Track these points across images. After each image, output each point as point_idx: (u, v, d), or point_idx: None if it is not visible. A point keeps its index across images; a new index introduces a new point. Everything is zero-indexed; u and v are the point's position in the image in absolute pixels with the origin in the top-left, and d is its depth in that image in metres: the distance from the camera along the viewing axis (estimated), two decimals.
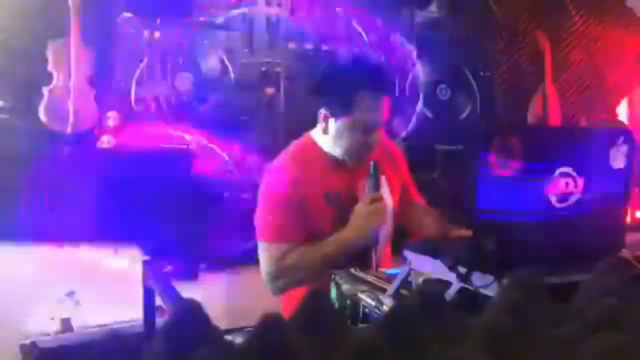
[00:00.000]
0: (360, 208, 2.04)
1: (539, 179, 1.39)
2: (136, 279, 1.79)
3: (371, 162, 2.06)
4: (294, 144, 2.25)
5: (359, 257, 2.02)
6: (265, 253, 2.10)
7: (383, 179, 2.15)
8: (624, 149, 1.46)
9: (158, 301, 1.69)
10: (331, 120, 2.11)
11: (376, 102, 2.09)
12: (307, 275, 2.06)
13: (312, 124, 2.20)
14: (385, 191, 2.16)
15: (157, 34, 3.37)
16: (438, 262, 1.43)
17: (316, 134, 2.19)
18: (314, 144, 2.20)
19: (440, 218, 2.26)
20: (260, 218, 2.12)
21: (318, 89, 2.21)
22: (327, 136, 2.14)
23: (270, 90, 3.73)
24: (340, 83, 2.11)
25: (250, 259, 2.28)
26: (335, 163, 2.17)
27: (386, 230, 2.18)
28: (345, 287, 1.70)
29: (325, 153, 2.18)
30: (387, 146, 2.35)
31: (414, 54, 4.14)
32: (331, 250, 2.06)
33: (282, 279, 2.10)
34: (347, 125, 2.09)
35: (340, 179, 2.16)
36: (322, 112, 2.12)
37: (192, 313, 0.80)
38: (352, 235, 2.05)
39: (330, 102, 2.11)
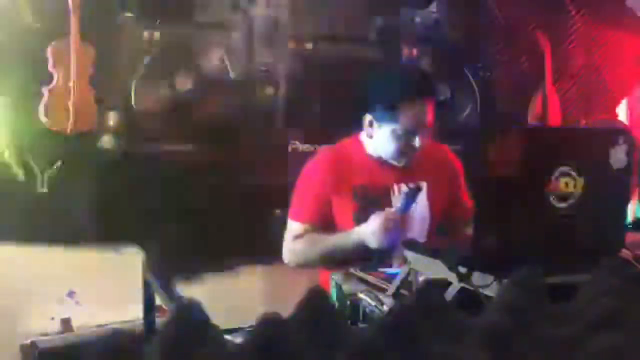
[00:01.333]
0: (378, 218, 2.07)
1: (539, 179, 1.39)
2: (136, 279, 1.79)
3: (411, 187, 2.13)
4: (343, 141, 2.37)
5: (384, 254, 2.05)
6: (287, 229, 2.27)
7: (423, 186, 2.21)
8: (624, 149, 1.46)
9: (158, 301, 1.69)
10: (376, 126, 2.17)
11: (420, 108, 2.16)
12: (315, 261, 2.21)
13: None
14: (421, 202, 2.22)
15: (157, 34, 3.37)
16: (438, 262, 1.43)
17: (363, 136, 2.28)
18: (359, 144, 2.30)
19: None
20: (292, 197, 2.28)
21: (363, 97, 2.27)
22: (372, 140, 2.21)
23: (270, 91, 3.73)
24: (385, 93, 2.20)
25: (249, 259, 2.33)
26: (376, 162, 2.26)
27: (416, 237, 2.19)
28: (345, 287, 1.70)
29: (367, 153, 2.27)
30: (439, 155, 2.38)
31: (414, 53, 4.14)
32: (339, 244, 2.16)
33: (292, 256, 2.25)
34: (392, 132, 2.15)
35: (376, 178, 2.23)
36: (368, 118, 2.19)
37: (192, 313, 0.80)
38: (362, 235, 2.09)
39: (375, 110, 2.17)
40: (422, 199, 2.23)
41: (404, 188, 2.18)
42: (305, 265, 2.26)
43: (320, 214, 2.22)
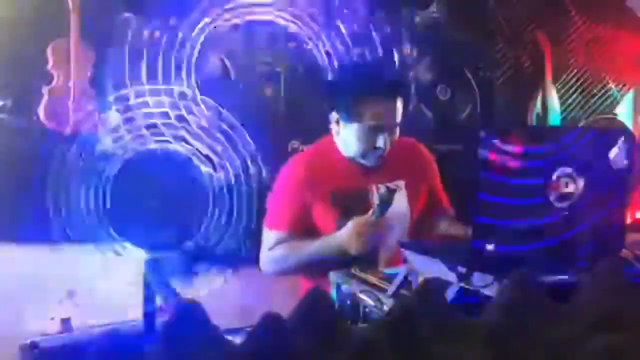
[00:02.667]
0: (356, 222, 2.05)
1: (539, 179, 1.39)
2: (136, 279, 1.79)
3: (385, 187, 2.08)
4: (318, 142, 2.32)
5: (366, 257, 2.03)
6: (263, 238, 2.22)
7: (401, 184, 2.18)
8: (624, 149, 1.46)
9: (158, 301, 1.69)
10: (342, 124, 2.15)
11: (382, 107, 2.12)
12: (295, 268, 2.18)
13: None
14: (400, 200, 2.17)
15: (157, 34, 3.37)
16: (438, 262, 1.43)
17: (335, 135, 2.24)
18: (333, 144, 2.24)
19: (462, 232, 2.20)
20: (267, 205, 2.26)
21: (327, 95, 2.25)
22: (339, 138, 2.18)
23: (269, 91, 3.73)
24: (346, 90, 2.16)
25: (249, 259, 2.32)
26: (351, 164, 2.21)
27: (398, 235, 2.17)
28: (345, 287, 1.70)
29: (341, 153, 2.22)
30: (411, 150, 2.35)
31: (414, 53, 4.14)
32: (318, 251, 2.11)
33: (272, 265, 2.21)
34: (355, 130, 2.12)
35: (353, 180, 2.18)
36: (334, 116, 2.16)
37: (192, 313, 0.80)
38: (339, 242, 2.07)
39: (339, 108, 2.14)
40: (401, 198, 2.20)
41: (382, 189, 2.12)
42: (283, 273, 2.23)
43: (296, 222, 2.17)
